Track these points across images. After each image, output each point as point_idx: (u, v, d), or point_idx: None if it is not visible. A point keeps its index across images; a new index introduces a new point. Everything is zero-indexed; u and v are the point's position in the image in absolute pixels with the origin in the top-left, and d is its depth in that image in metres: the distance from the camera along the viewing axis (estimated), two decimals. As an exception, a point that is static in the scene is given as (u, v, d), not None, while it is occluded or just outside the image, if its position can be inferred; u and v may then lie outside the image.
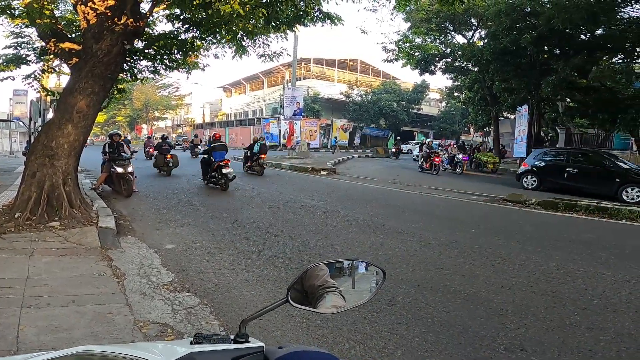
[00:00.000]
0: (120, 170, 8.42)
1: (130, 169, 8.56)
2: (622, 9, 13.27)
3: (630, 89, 14.80)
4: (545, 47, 16.05)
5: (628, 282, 3.90)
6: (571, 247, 5.22)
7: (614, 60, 15.83)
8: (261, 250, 4.85)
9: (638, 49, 14.24)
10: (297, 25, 7.66)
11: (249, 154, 13.30)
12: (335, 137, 31.69)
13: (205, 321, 3.00)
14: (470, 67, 20.92)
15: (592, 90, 15.18)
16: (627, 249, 5.22)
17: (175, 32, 7.83)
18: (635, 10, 13.23)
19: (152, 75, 9.53)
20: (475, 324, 2.96)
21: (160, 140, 15.78)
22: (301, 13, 7.26)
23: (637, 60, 15.45)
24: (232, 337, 0.83)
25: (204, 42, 8.21)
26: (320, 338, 2.75)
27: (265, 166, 13.18)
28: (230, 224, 6.15)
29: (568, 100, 17.71)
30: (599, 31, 14.37)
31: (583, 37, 15.02)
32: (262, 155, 12.85)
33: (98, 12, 5.65)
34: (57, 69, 8.46)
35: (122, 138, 9.52)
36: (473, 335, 2.79)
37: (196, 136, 29.62)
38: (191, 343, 0.79)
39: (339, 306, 0.94)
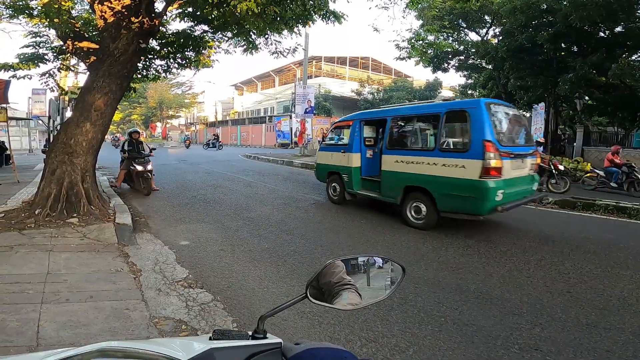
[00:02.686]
0: (139, 168, 8.48)
1: (149, 167, 8.60)
2: (642, 6, 12.89)
3: (651, 86, 14.38)
4: (563, 45, 15.70)
5: (647, 283, 3.80)
6: (588, 246, 5.11)
7: (633, 57, 15.40)
8: (273, 247, 4.89)
9: (659, 46, 13.83)
10: (300, 25, 7.65)
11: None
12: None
13: (218, 317, 3.03)
14: (484, 64, 20.60)
15: (612, 88, 14.80)
16: (647, 250, 5.08)
17: (189, 31, 7.92)
18: (656, 6, 12.85)
19: (164, 75, 9.66)
20: (488, 324, 2.93)
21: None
22: (310, 11, 7.25)
23: (658, 57, 15.00)
24: (250, 333, 0.84)
25: (215, 40, 8.29)
26: (332, 335, 2.76)
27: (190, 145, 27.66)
28: (242, 221, 6.20)
29: (586, 98, 17.31)
30: (618, 28, 13.99)
31: (602, 34, 14.64)
32: (187, 141, 31.33)
33: (115, 10, 5.75)
34: (73, 67, 8.63)
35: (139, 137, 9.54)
36: (486, 334, 2.77)
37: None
38: (210, 339, 0.80)
39: (355, 303, 0.94)
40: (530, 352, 2.54)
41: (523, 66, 16.08)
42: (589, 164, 13.60)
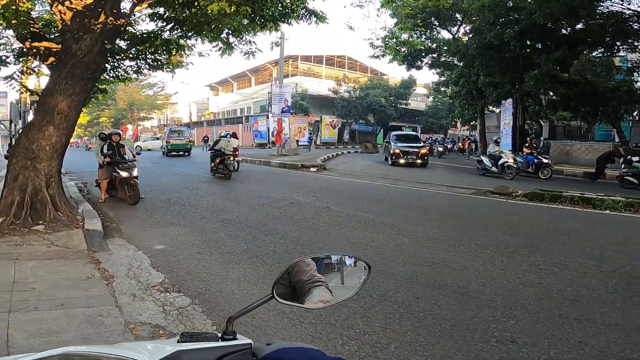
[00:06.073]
0: (124, 174, 7.56)
1: (135, 173, 7.69)
2: (602, 3, 13.53)
3: (610, 82, 15.10)
4: (528, 42, 16.29)
5: (614, 272, 3.96)
6: (557, 238, 5.31)
7: (594, 54, 16.14)
8: (252, 248, 4.83)
9: (617, 43, 14.53)
10: (282, 24, 7.57)
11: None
12: (311, 134, 31.78)
13: (197, 321, 2.98)
14: (455, 62, 21.15)
15: (574, 84, 15.46)
16: (612, 239, 5.30)
17: (159, 32, 7.70)
18: (614, 4, 13.51)
19: (135, 75, 9.35)
20: (466, 317, 2.99)
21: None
22: (287, 11, 7.19)
23: (617, 54, 15.78)
24: (219, 334, 0.83)
25: (188, 40, 8.10)
26: (314, 335, 2.75)
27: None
28: (220, 223, 6.10)
29: (551, 93, 18.03)
30: (579, 25, 14.64)
31: (564, 31, 15.28)
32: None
33: (75, 11, 5.53)
34: (36, 69, 8.27)
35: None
36: (465, 328, 2.83)
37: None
38: (178, 342, 0.79)
39: (326, 300, 0.94)
40: (507, 344, 2.60)
41: (492, 63, 16.57)
42: None
